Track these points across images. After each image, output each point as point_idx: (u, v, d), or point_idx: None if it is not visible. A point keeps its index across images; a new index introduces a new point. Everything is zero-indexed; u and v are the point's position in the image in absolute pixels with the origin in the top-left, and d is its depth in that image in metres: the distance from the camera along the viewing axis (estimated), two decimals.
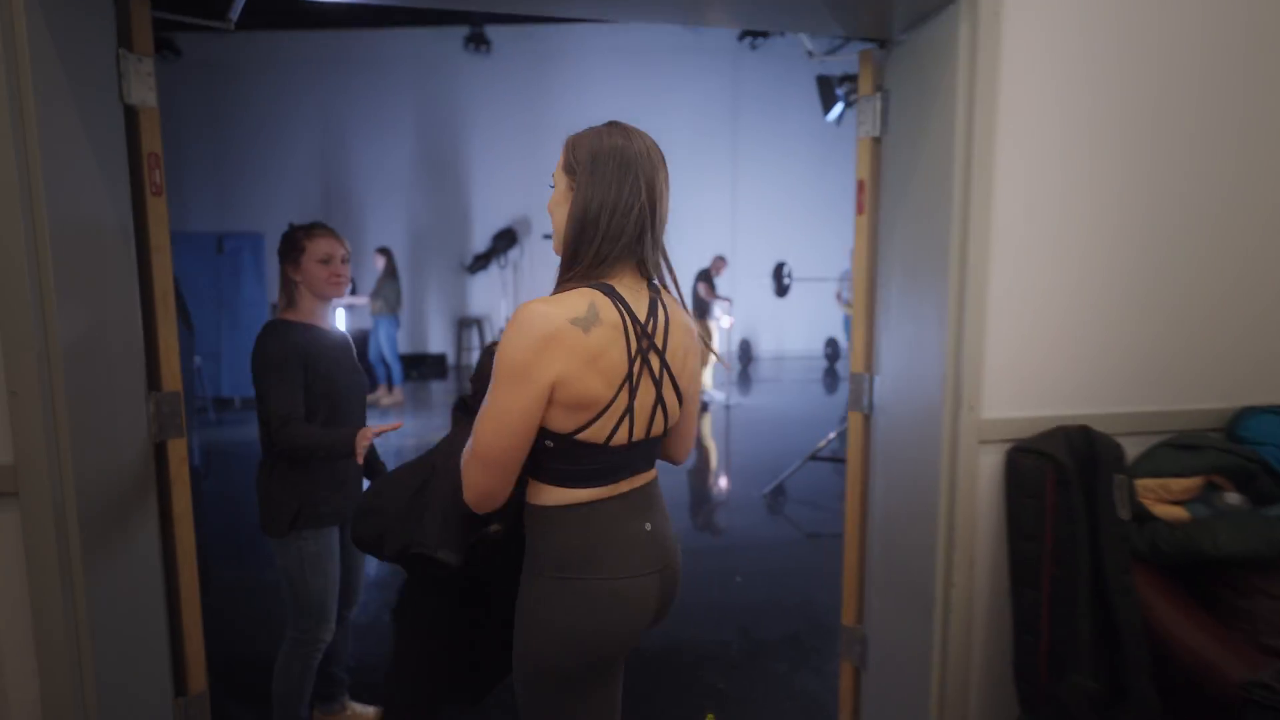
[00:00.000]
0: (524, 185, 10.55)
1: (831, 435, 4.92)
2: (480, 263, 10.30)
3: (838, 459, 4.71)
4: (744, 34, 10.30)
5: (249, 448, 5.66)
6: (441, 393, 8.53)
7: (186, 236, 7.48)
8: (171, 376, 1.75)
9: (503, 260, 10.38)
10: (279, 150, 9.98)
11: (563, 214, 1.19)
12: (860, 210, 1.96)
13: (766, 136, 11.19)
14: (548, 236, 1.58)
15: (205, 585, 1.95)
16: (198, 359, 6.63)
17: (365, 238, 10.09)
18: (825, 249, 10.32)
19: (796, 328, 11.49)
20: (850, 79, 4.96)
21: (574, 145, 1.20)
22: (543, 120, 10.47)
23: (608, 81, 10.61)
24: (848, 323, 8.56)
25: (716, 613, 3.03)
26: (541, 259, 10.71)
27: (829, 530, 4.02)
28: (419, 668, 1.45)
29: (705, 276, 7.81)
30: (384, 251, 7.75)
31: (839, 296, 7.98)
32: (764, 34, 10.16)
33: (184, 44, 9.56)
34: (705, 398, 7.45)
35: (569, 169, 1.20)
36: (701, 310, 7.66)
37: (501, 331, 1.41)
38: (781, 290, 7.60)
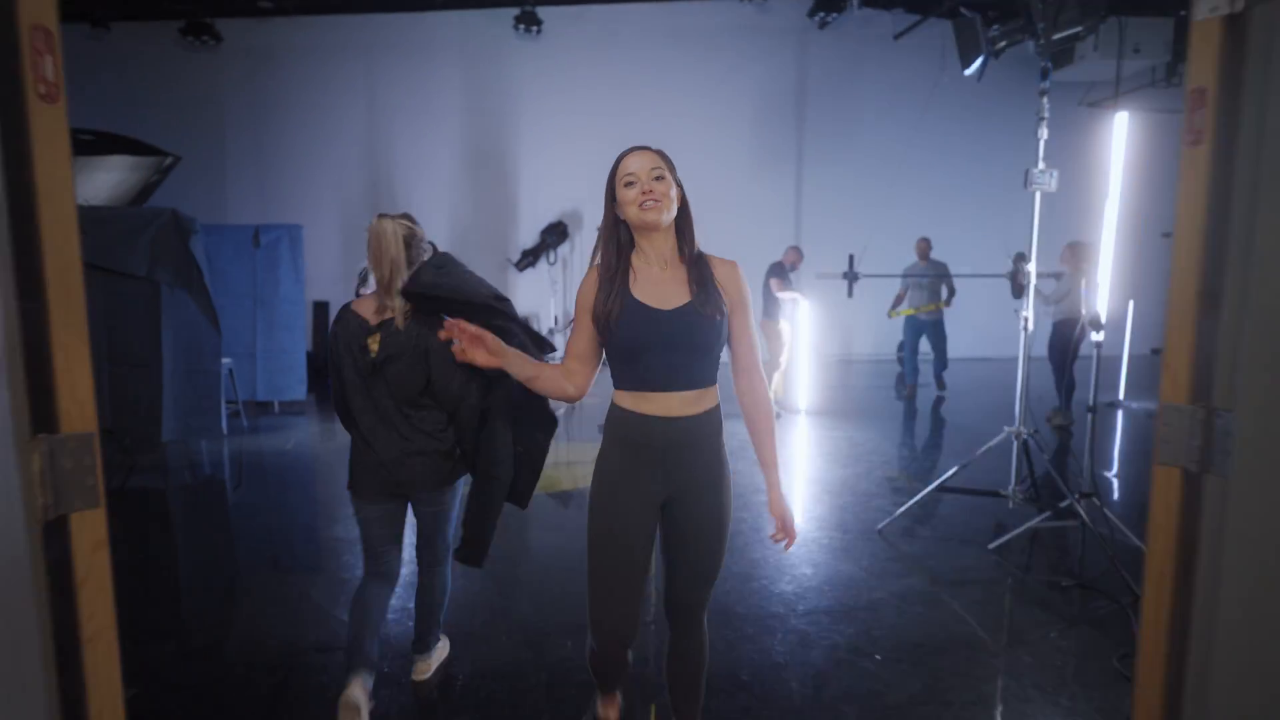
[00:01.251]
0: (576, 175, 9.90)
1: (970, 460, 4.10)
2: (528, 259, 9.69)
3: (973, 491, 3.91)
4: (814, 10, 9.49)
5: (285, 458, 5.13)
6: None
7: (220, 229, 7.01)
8: (79, 409, 1.07)
9: (552, 256, 9.76)
10: (320, 139, 9.53)
11: (672, 203, 1.63)
12: (1194, 139, 1.19)
13: (836, 121, 10.35)
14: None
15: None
16: (228, 361, 6.15)
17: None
18: (897, 244, 9.45)
19: (865, 329, 10.62)
20: (1004, 18, 3.85)
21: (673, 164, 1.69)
22: (597, 106, 9.82)
23: (666, 64, 9.90)
24: (927, 328, 7.68)
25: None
26: (586, 253, 10.05)
27: (972, 575, 3.23)
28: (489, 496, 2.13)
29: (777, 270, 6.94)
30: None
31: (1021, 289, 7.12)
32: (837, 9, 9.33)
33: (225, 30, 9.17)
34: (777, 409, 6.67)
35: (675, 177, 1.66)
36: (770, 309, 6.84)
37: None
38: (851, 284, 6.80)
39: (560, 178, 9.85)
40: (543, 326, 10.05)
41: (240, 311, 7.03)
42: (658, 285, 1.62)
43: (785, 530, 1.68)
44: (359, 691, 2.01)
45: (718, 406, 1.68)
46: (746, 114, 10.08)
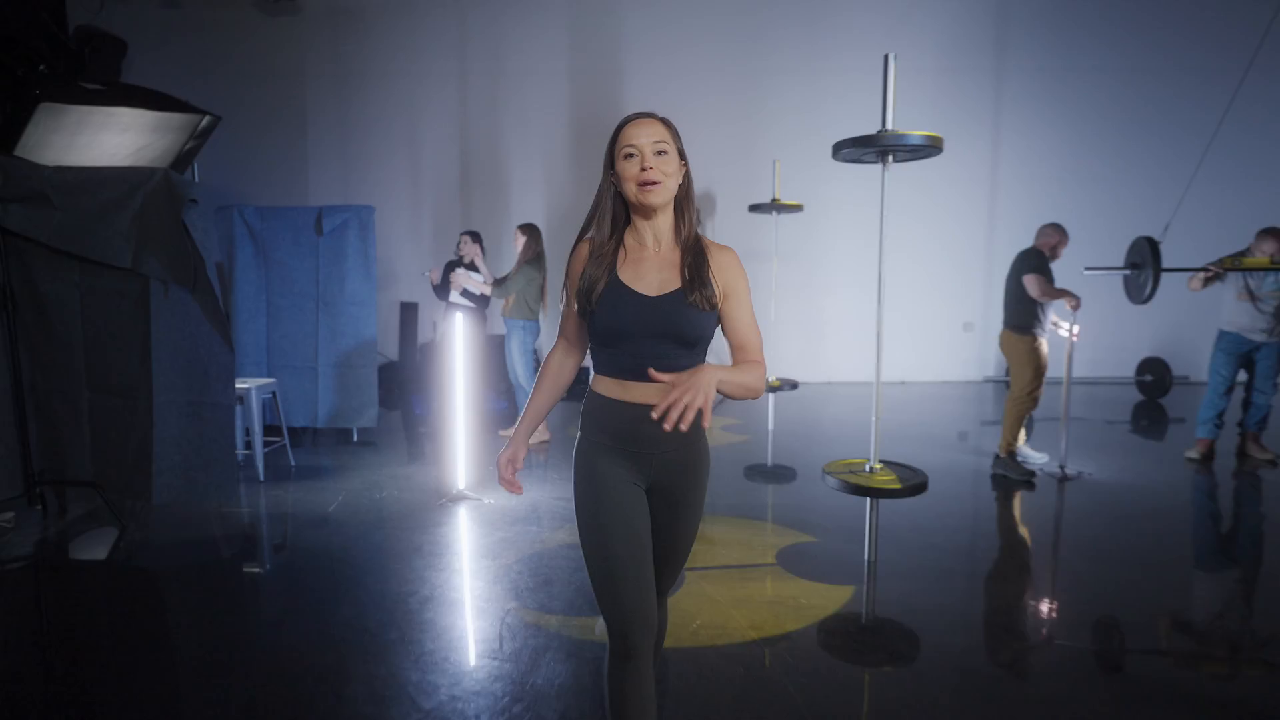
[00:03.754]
0: (703, 145, 8.02)
1: None
2: None
3: None
4: None
5: (322, 531, 3.52)
6: None
7: (277, 212, 5.61)
8: None
9: None
10: (409, 111, 8.12)
11: (675, 181, 1.49)
12: None
13: (1041, 73, 7.96)
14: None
15: None
16: (270, 381, 4.69)
17: (508, 214, 8.02)
18: (1116, 228, 6.99)
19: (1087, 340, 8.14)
20: None
21: (679, 135, 1.54)
22: (728, 63, 7.92)
23: (811, 10, 7.87)
24: (1262, 351, 4.78)
25: None
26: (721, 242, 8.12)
27: None
28: None
29: (1035, 262, 4.45)
30: (527, 229, 5.49)
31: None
32: None
33: None
34: (1026, 467, 4.53)
35: (681, 152, 1.52)
36: (1026, 318, 4.46)
37: None
38: (1150, 283, 4.51)
39: (691, 149, 8.01)
40: None
41: (301, 315, 5.61)
42: (646, 268, 1.49)
43: (682, 388, 1.24)
44: None
45: None
46: (935, 62, 7.87)
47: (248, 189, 7.78)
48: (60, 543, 3.42)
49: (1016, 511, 4.01)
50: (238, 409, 4.41)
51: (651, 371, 1.31)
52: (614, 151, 1.49)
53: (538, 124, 8.09)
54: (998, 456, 4.58)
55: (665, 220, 1.51)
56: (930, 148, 2.77)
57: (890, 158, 2.90)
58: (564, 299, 1.59)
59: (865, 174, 8.15)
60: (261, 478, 4.45)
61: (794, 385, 5.68)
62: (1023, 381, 4.45)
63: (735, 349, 1.54)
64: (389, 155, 8.13)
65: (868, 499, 3.08)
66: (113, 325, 3.46)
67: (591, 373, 1.56)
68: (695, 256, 1.48)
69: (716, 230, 8.09)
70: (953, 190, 8.05)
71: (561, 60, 8.02)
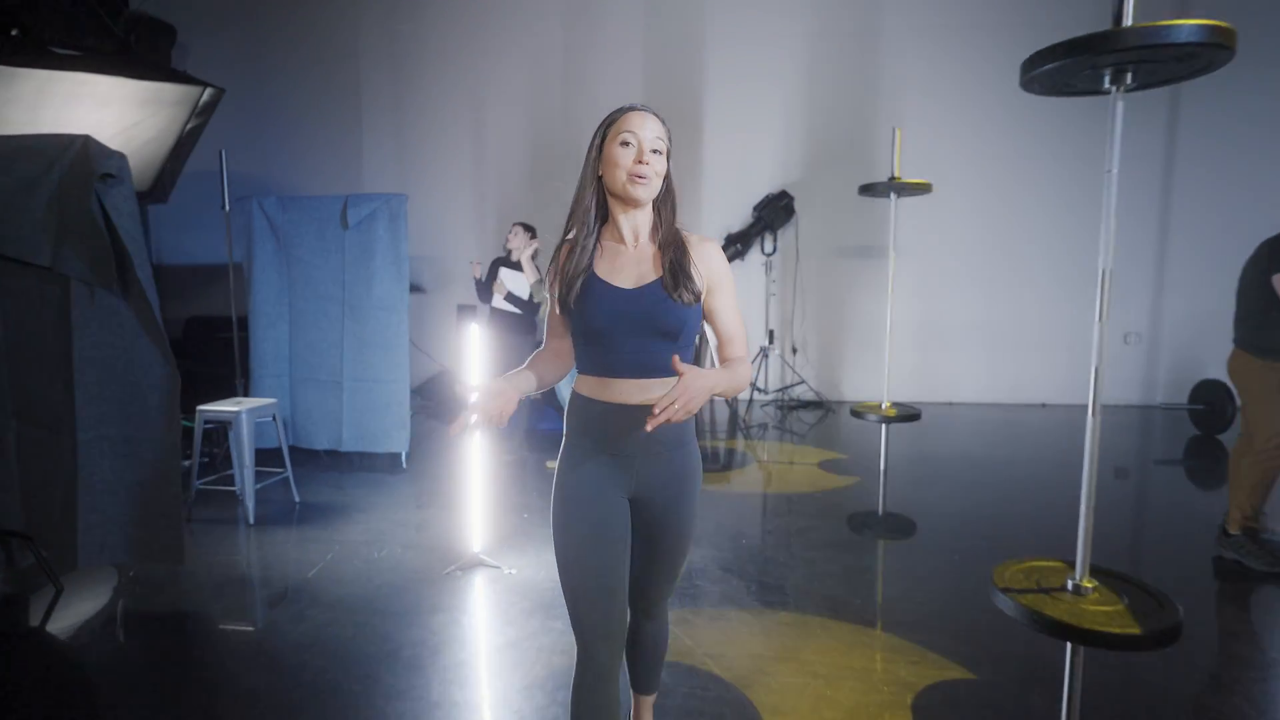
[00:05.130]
0: (803, 125, 6.85)
1: None
2: (734, 248, 6.79)
3: None
4: None
5: (295, 601, 2.64)
6: None
7: (300, 202, 4.88)
8: None
9: (769, 243, 6.78)
10: (471, 91, 7.34)
11: (660, 184, 1.45)
12: None
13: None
14: None
15: None
16: (270, 402, 3.89)
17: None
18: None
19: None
20: None
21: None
22: (833, 25, 6.69)
23: None
24: None
25: None
26: (821, 242, 6.92)
27: None
28: None
29: None
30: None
31: None
32: None
33: None
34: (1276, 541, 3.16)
35: (669, 150, 1.46)
36: (1273, 335, 3.04)
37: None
38: None
39: (780, 129, 6.85)
40: (770, 367, 7.08)
41: (325, 322, 4.86)
42: (624, 262, 1.47)
43: (679, 390, 1.24)
44: None
45: None
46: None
47: (297, 179, 7.21)
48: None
49: None
50: (237, 434, 3.66)
51: (675, 360, 1.29)
52: (605, 134, 1.43)
53: (610, 100, 7.12)
54: (1225, 533, 3.22)
55: (645, 217, 1.48)
56: (1215, 48, 1.55)
57: (1129, 76, 1.70)
58: (549, 302, 1.52)
59: (997, 149, 6.75)
60: (251, 519, 3.68)
61: (915, 415, 4.44)
62: (1267, 425, 3.07)
63: (722, 342, 1.52)
64: (449, 141, 7.38)
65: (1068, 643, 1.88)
66: (34, 340, 2.71)
67: (575, 372, 1.53)
68: (676, 250, 1.46)
69: (808, 221, 6.88)
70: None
71: (637, 27, 7.02)
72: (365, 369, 4.80)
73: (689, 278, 1.42)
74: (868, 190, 4.44)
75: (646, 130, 1.40)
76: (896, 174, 4.35)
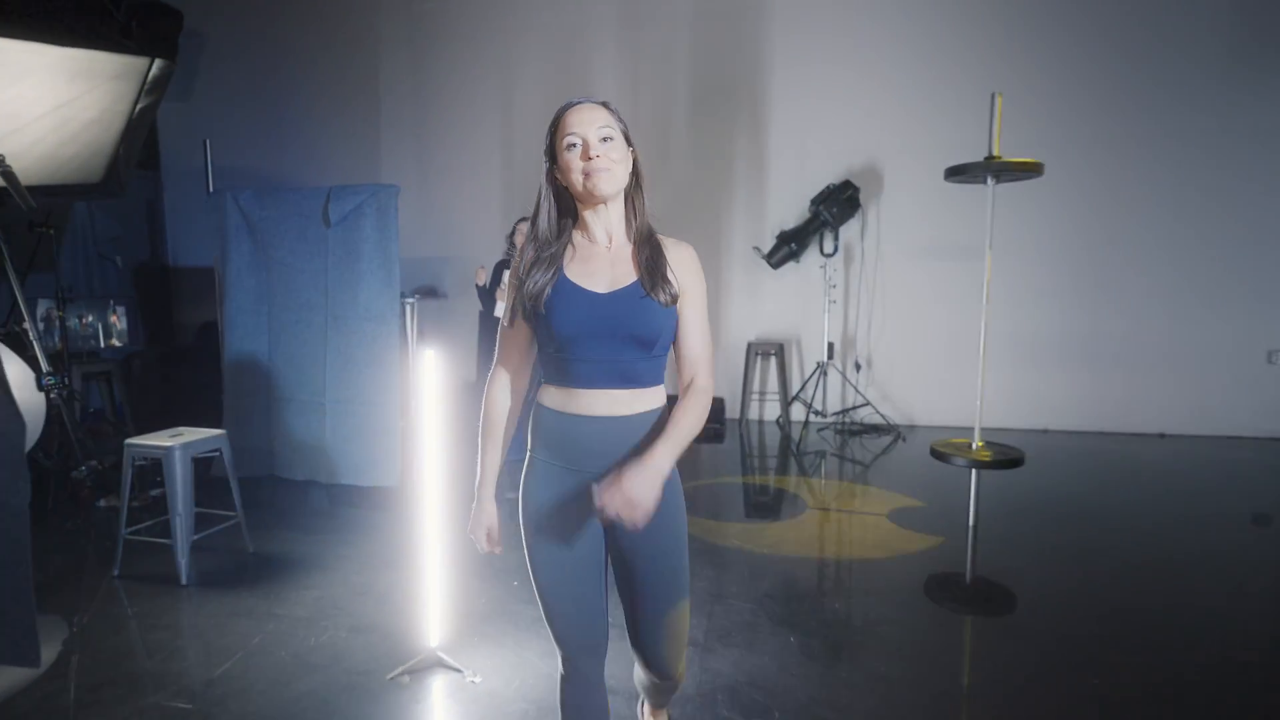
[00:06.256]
0: (868, 105, 5.90)
1: None
2: (788, 247, 5.90)
3: None
4: None
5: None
6: (725, 498, 4.29)
7: (279, 196, 4.23)
8: None
9: (829, 242, 5.86)
10: (499, 76, 6.65)
11: (625, 168, 1.35)
12: None
13: None
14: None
15: None
16: (220, 433, 3.18)
17: None
18: None
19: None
20: None
21: (624, 119, 1.37)
22: None
23: None
24: None
25: None
26: (892, 240, 5.96)
27: None
28: None
29: None
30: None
31: None
32: None
33: None
34: None
35: (627, 136, 1.36)
36: None
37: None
38: None
39: (846, 109, 5.93)
40: (807, 358, 6.19)
41: (307, 334, 4.22)
42: (597, 264, 1.38)
43: (618, 499, 1.21)
44: None
45: (662, 409, 1.40)
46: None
47: (308, 174, 6.66)
48: None
49: None
50: (169, 473, 3.00)
51: (600, 504, 1.23)
52: (554, 143, 1.35)
53: (651, 79, 6.33)
54: None
55: (616, 213, 1.39)
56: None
57: None
58: (506, 316, 1.43)
59: (1109, 130, 5.63)
60: (183, 579, 3.02)
61: (1017, 459, 3.50)
62: None
63: (684, 362, 1.41)
64: (474, 129, 6.70)
65: None
66: None
67: (540, 383, 1.45)
68: (651, 250, 1.38)
69: (876, 216, 5.93)
70: (1245, 154, 5.35)
71: (683, 3, 6.20)
72: (350, 389, 4.13)
73: (665, 278, 1.35)
74: (958, 174, 3.51)
75: (588, 124, 1.32)
76: (995, 152, 3.41)
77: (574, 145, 1.31)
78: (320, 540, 3.53)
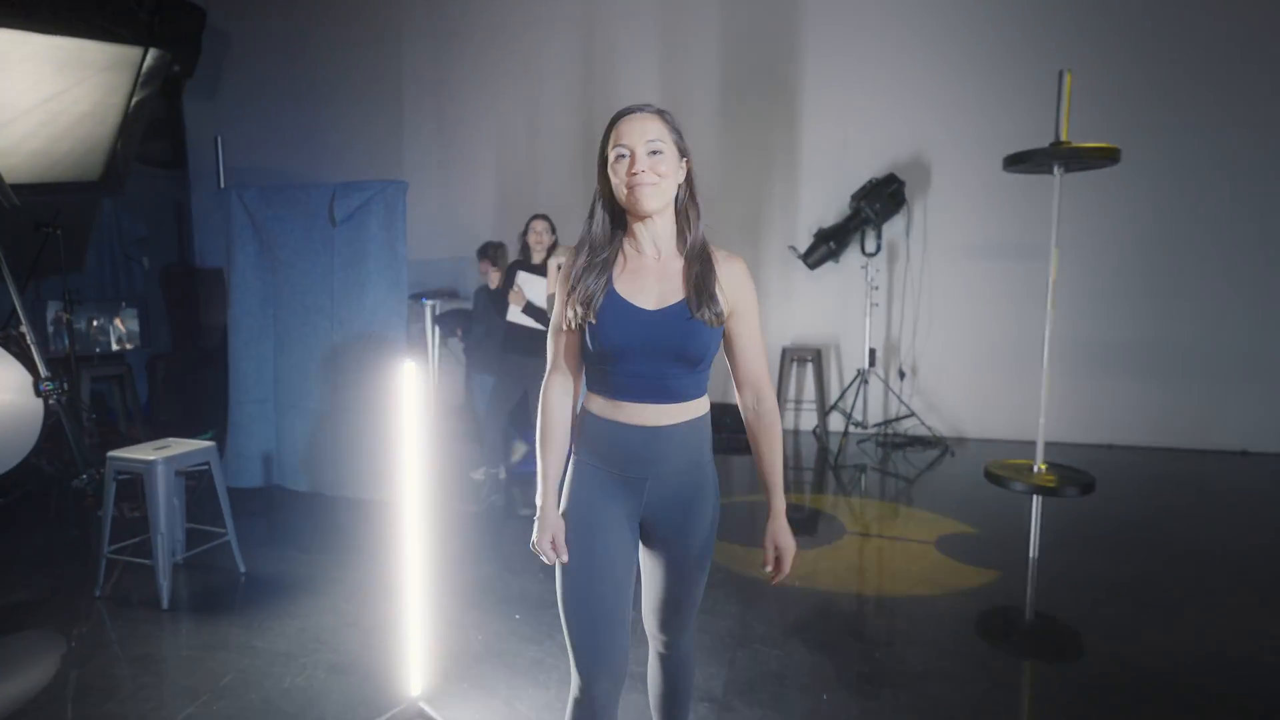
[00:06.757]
0: (913, 92, 5.50)
1: None
2: (826, 246, 5.52)
3: None
4: None
5: None
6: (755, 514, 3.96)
7: (285, 195, 4.03)
8: None
9: (870, 239, 5.47)
10: (524, 67, 6.41)
11: (674, 181, 1.34)
12: None
13: None
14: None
15: None
16: (188, 454, 2.94)
17: None
18: None
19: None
20: None
21: (679, 126, 1.36)
22: None
23: None
24: None
25: None
26: (940, 238, 5.54)
27: None
28: None
29: None
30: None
31: None
32: None
33: None
34: None
35: (681, 146, 1.35)
36: None
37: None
38: None
39: (890, 97, 5.52)
40: (847, 365, 5.81)
41: (314, 337, 4.02)
42: (646, 278, 1.37)
43: (778, 562, 1.44)
44: None
45: (705, 416, 1.43)
46: None
47: (334, 171, 6.51)
48: None
49: None
50: (151, 490, 2.80)
51: (775, 579, 1.43)
52: (605, 149, 1.36)
53: (684, 69, 6.00)
54: None
55: (666, 225, 1.38)
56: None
57: None
58: (556, 317, 1.42)
59: (1184, 116, 5.13)
60: (165, 604, 2.81)
61: (1087, 484, 3.09)
62: None
63: (742, 383, 1.43)
64: (499, 124, 6.47)
65: None
66: None
67: (584, 389, 1.46)
68: (702, 265, 1.35)
69: (923, 212, 5.51)
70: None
71: None
72: (355, 397, 3.91)
73: (712, 297, 1.33)
74: (1020, 163, 3.12)
75: (638, 135, 1.31)
76: (1063, 136, 3.01)
77: (623, 156, 1.31)
78: (315, 560, 3.30)
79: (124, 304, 5.08)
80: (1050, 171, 3.10)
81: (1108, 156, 2.94)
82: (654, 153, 1.30)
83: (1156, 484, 4.57)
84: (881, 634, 2.70)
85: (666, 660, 1.56)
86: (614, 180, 1.33)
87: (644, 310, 1.33)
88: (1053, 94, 3.04)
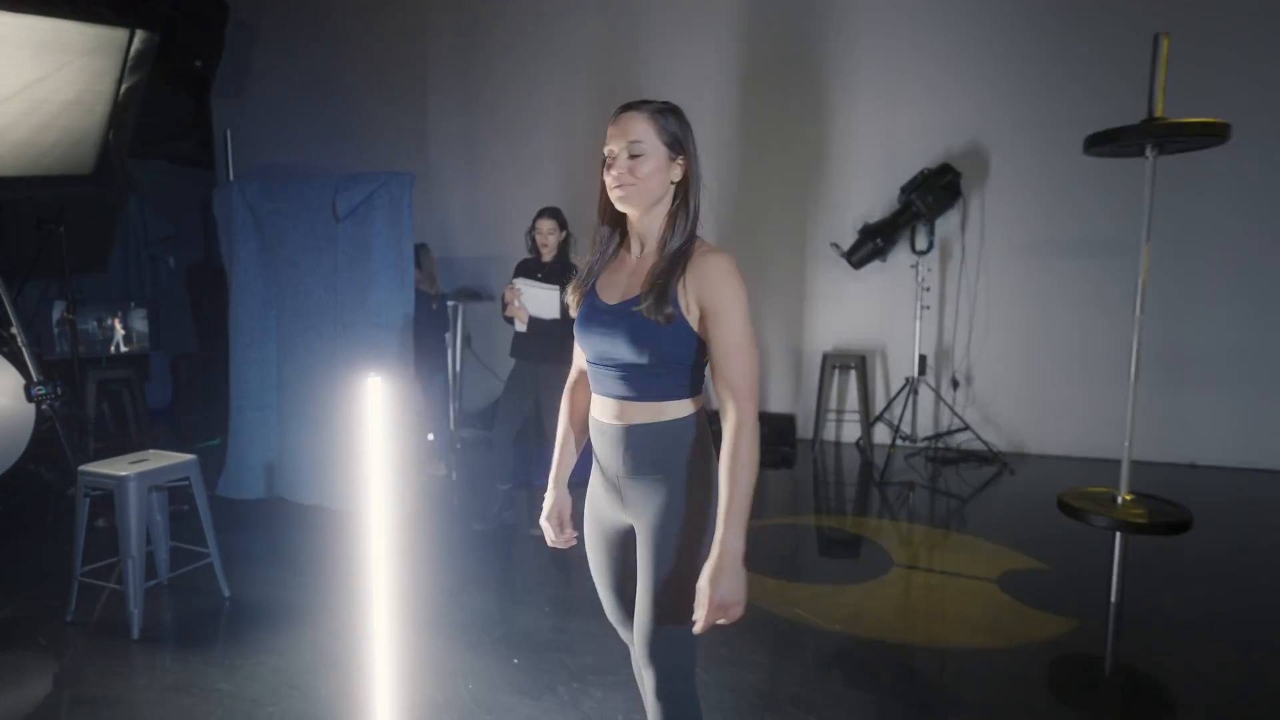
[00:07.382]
0: (984, 72, 5.03)
1: None
2: (872, 243, 5.08)
3: None
4: None
5: None
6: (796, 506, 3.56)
7: (288, 190, 3.79)
8: None
9: (921, 236, 5.01)
10: (549, 57, 6.12)
11: (659, 182, 1.29)
12: None
13: None
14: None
15: None
16: (166, 469, 2.67)
17: None
18: None
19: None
20: None
21: (679, 123, 1.31)
22: None
23: None
24: None
25: None
26: (1000, 235, 5.06)
27: None
28: None
29: None
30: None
31: None
32: None
33: None
34: None
35: (674, 146, 1.29)
36: None
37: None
38: None
39: (937, 81, 5.06)
40: (895, 372, 5.36)
41: (317, 339, 3.77)
42: (621, 275, 1.37)
43: (711, 611, 1.22)
44: None
45: (686, 420, 1.33)
46: None
47: (344, 165, 6.31)
48: None
49: None
50: (122, 508, 2.57)
51: (700, 627, 1.23)
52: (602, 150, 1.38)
53: (713, 60, 5.63)
54: None
55: (655, 224, 1.34)
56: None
57: None
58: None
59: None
60: (135, 633, 2.57)
61: (1183, 523, 2.63)
62: None
63: (718, 390, 1.30)
64: (528, 116, 6.19)
65: None
66: None
67: None
68: (669, 262, 1.30)
69: (980, 206, 5.03)
70: None
71: None
72: (357, 403, 3.63)
73: (663, 295, 1.25)
74: (1105, 143, 2.68)
75: (620, 136, 1.29)
76: (1159, 112, 2.56)
77: (607, 158, 1.31)
78: (306, 584, 3.03)
79: (133, 304, 4.93)
80: (1141, 154, 2.65)
81: (1214, 134, 2.48)
82: (634, 155, 1.27)
83: (1254, 510, 4.04)
84: (937, 699, 2.30)
85: (649, 701, 1.37)
86: (604, 184, 1.33)
87: (604, 304, 1.34)
88: (1132, 68, 2.60)
